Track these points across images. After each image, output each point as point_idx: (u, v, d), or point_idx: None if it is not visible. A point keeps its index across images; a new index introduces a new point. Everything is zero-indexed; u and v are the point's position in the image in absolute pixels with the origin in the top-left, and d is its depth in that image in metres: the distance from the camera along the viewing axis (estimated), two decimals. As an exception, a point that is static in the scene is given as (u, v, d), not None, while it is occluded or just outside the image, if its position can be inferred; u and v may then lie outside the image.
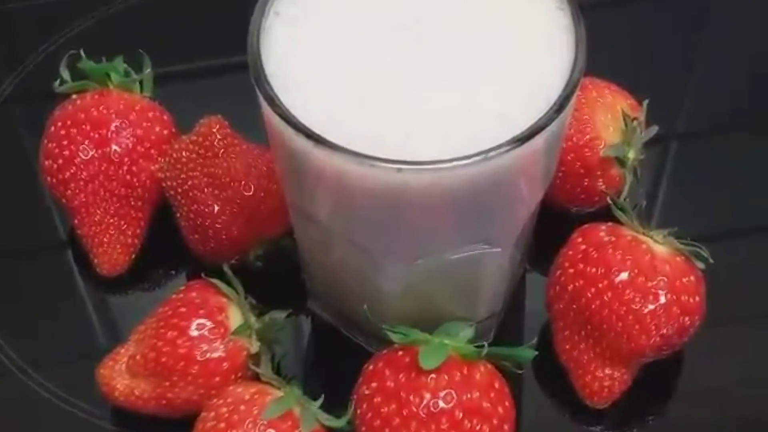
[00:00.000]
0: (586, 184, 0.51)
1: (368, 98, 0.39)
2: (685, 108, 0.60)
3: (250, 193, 0.48)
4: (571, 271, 0.45)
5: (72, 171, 0.50)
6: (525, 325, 0.51)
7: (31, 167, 0.54)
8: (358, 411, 0.42)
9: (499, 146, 0.37)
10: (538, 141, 0.38)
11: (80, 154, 0.50)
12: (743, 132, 0.59)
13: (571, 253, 0.46)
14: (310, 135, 0.38)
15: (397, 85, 0.40)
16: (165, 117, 0.52)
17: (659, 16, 0.64)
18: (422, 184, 0.37)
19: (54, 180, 0.50)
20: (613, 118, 0.50)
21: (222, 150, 0.48)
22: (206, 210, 0.48)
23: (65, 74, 0.52)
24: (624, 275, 0.44)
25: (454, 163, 0.37)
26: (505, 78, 0.40)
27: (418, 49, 0.41)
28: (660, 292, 0.44)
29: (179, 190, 0.49)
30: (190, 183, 0.49)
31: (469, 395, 0.41)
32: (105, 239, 0.50)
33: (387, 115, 0.39)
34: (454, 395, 0.41)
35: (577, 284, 0.45)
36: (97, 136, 0.50)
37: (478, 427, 0.41)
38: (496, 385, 0.42)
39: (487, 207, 0.40)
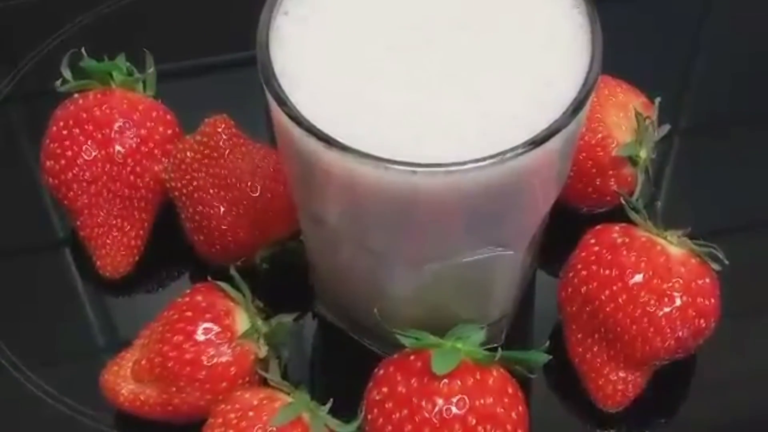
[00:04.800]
0: (597, 183, 0.50)
1: (378, 99, 0.38)
2: (692, 106, 0.60)
3: (257, 195, 0.47)
4: (584, 273, 0.45)
5: (74, 172, 0.49)
6: (535, 326, 0.50)
7: (30, 168, 0.53)
8: (369, 416, 0.42)
9: (515, 148, 0.36)
10: (555, 143, 0.37)
11: (83, 154, 0.49)
12: (744, 128, 0.58)
13: (584, 254, 0.45)
14: (320, 136, 0.37)
15: (408, 87, 0.39)
16: (169, 116, 0.51)
17: (664, 12, 0.63)
18: (436, 187, 0.37)
19: (56, 181, 0.50)
20: (625, 117, 0.50)
21: (227, 150, 0.48)
22: (211, 211, 0.48)
23: (66, 73, 0.51)
24: (638, 277, 0.44)
25: (469, 165, 0.36)
26: (518, 79, 0.39)
27: (429, 49, 0.40)
28: (675, 294, 0.43)
29: (184, 191, 0.48)
30: (195, 184, 0.48)
31: (482, 401, 0.40)
32: (108, 241, 0.50)
33: (398, 117, 0.38)
34: (467, 401, 0.40)
35: (590, 286, 0.44)
36: (100, 136, 0.49)
37: (491, 433, 0.40)
38: (510, 390, 0.42)
39: (501, 210, 0.39)
